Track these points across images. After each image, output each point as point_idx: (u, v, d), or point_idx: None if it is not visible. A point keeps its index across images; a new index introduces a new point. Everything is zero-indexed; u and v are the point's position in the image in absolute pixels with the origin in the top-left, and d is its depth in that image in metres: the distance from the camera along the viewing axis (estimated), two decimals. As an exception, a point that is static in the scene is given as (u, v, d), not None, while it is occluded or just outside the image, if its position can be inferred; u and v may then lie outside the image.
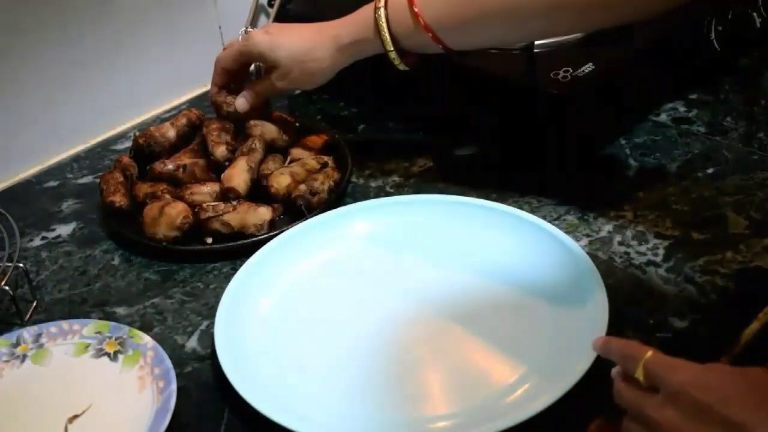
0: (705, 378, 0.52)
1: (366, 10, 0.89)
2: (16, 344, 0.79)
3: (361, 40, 0.89)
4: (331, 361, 0.75)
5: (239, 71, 0.99)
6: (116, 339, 0.78)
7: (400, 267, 0.84)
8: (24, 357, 0.78)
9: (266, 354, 0.75)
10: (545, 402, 0.65)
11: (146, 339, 0.77)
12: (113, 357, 0.77)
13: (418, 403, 0.70)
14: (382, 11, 0.86)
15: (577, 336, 0.71)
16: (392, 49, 0.87)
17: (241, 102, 0.97)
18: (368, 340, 0.76)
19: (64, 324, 0.80)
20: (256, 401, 0.68)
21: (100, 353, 0.78)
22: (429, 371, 0.73)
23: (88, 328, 0.80)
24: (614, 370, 0.58)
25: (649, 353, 0.55)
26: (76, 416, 0.72)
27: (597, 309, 0.72)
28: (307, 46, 0.92)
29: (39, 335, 0.79)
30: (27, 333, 0.80)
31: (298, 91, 1.13)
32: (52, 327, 0.80)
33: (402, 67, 0.90)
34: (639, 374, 0.55)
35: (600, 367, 0.66)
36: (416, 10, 0.84)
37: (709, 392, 0.50)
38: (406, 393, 0.71)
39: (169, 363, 0.74)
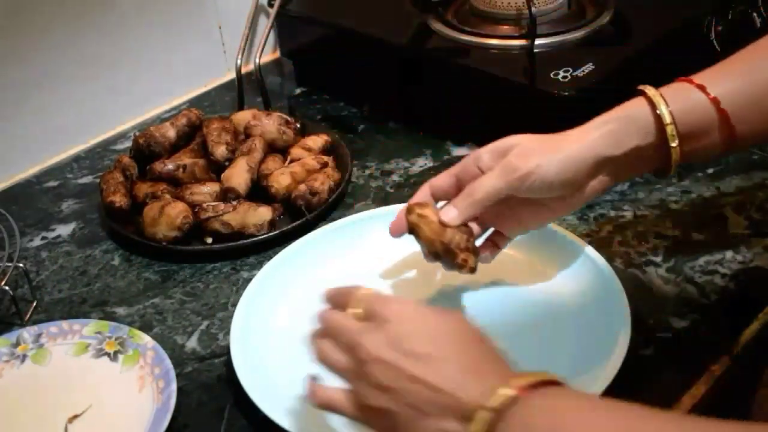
0: (407, 312, 0.57)
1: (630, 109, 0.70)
2: (16, 344, 0.79)
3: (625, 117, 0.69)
4: None
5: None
6: (116, 339, 0.78)
7: (416, 276, 0.83)
8: (24, 357, 0.78)
9: (282, 362, 0.75)
10: None
11: (146, 339, 0.77)
12: (113, 357, 0.77)
13: None
14: (661, 103, 0.68)
15: (598, 350, 0.70)
16: (671, 122, 0.67)
17: (453, 214, 0.71)
18: None
19: (64, 324, 0.80)
20: (269, 409, 0.68)
21: (101, 353, 0.78)
22: None
23: (88, 328, 0.80)
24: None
25: (368, 290, 0.61)
26: (76, 416, 0.72)
27: (618, 320, 0.71)
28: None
29: (39, 335, 0.79)
30: (27, 333, 0.80)
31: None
32: (52, 327, 0.80)
33: (675, 146, 0.68)
34: (356, 305, 0.60)
35: (621, 383, 0.66)
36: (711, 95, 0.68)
37: (408, 323, 0.56)
38: None
39: (169, 363, 0.74)
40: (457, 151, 1.01)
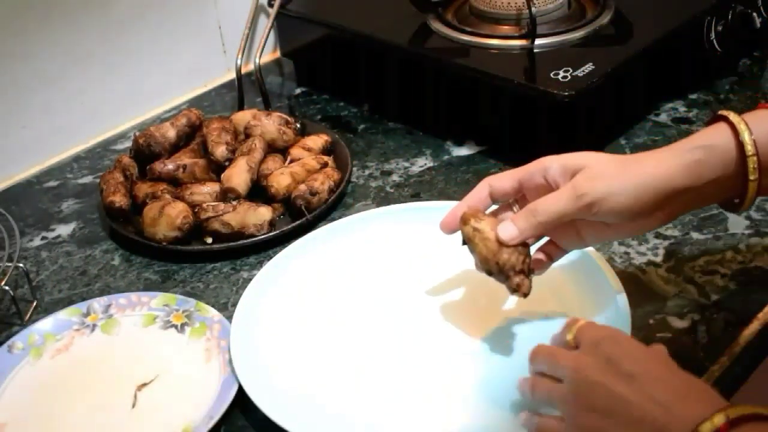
0: (617, 336, 0.59)
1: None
2: (87, 314, 0.81)
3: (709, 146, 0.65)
4: (346, 372, 0.74)
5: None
6: (183, 312, 0.80)
7: (418, 275, 0.82)
8: (94, 326, 0.80)
9: (282, 362, 0.75)
10: None
11: (213, 312, 0.79)
12: (180, 329, 0.79)
13: (427, 414, 0.69)
14: (744, 131, 0.64)
15: None
16: (753, 153, 0.63)
17: (513, 233, 0.67)
18: (384, 350, 0.75)
19: (133, 296, 0.83)
20: (269, 409, 0.68)
21: (168, 325, 0.80)
22: (436, 382, 0.72)
23: (156, 300, 0.82)
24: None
25: (583, 320, 0.62)
26: (144, 384, 0.74)
27: (618, 317, 0.72)
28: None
29: (108, 306, 0.82)
30: (97, 303, 0.82)
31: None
32: (121, 298, 0.82)
33: (754, 180, 0.65)
34: (571, 335, 0.61)
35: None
36: None
37: (618, 346, 0.57)
38: (415, 404, 0.70)
39: None
40: (457, 151, 1.01)
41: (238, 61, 1.12)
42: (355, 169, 1.00)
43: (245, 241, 0.88)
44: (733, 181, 0.65)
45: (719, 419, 0.50)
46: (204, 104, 1.17)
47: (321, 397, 0.71)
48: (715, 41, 1.03)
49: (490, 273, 0.69)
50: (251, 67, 1.15)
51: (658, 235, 0.85)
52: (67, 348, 0.79)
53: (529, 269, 0.68)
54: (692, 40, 1.02)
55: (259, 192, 0.93)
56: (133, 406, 0.72)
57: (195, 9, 1.16)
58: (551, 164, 0.68)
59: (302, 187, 0.92)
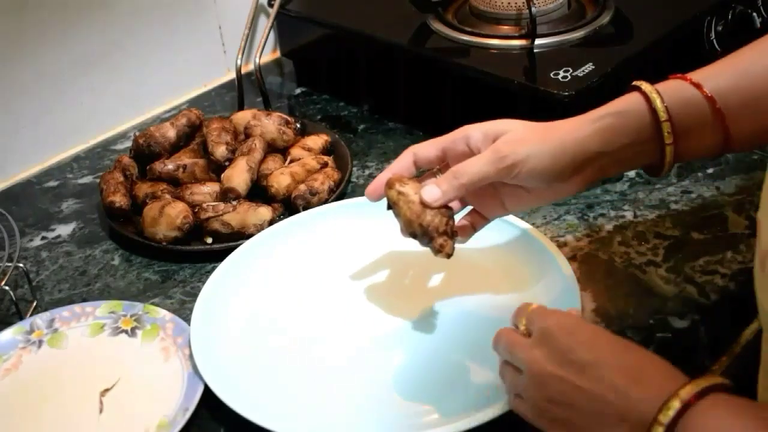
0: (566, 324, 0.60)
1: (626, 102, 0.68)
2: (31, 331, 0.80)
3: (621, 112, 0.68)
4: (310, 361, 0.75)
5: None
6: (131, 316, 0.80)
7: (381, 267, 0.84)
8: (40, 342, 0.79)
9: (244, 355, 0.75)
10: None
11: (163, 312, 0.79)
12: (131, 333, 0.79)
13: (397, 401, 0.70)
14: (657, 99, 0.66)
15: None
16: (666, 118, 0.65)
17: (436, 195, 0.69)
18: (347, 341, 0.76)
19: (76, 307, 0.82)
20: (233, 402, 0.69)
21: (117, 331, 0.79)
22: (407, 369, 0.73)
23: (101, 309, 0.81)
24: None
25: (534, 305, 0.64)
26: (107, 389, 0.73)
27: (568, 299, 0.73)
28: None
29: (52, 320, 0.81)
30: (40, 319, 0.81)
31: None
32: (65, 311, 0.81)
33: (670, 144, 0.66)
34: (522, 322, 0.63)
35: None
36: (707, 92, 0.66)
37: (569, 336, 0.58)
38: (385, 392, 0.71)
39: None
40: (457, 151, 1.01)
41: (238, 61, 1.12)
42: (355, 169, 1.00)
43: (245, 241, 0.88)
44: (648, 147, 0.67)
45: (686, 392, 0.51)
46: (204, 104, 1.17)
47: (285, 386, 0.72)
48: (715, 41, 1.03)
49: (414, 236, 0.70)
50: (251, 67, 1.15)
51: (657, 235, 0.85)
52: (16, 367, 0.77)
53: (452, 231, 0.69)
54: (692, 40, 1.02)
55: (259, 192, 0.93)
56: (101, 411, 0.72)
57: (195, 9, 1.16)
58: (473, 132, 0.70)
59: (302, 187, 0.92)
